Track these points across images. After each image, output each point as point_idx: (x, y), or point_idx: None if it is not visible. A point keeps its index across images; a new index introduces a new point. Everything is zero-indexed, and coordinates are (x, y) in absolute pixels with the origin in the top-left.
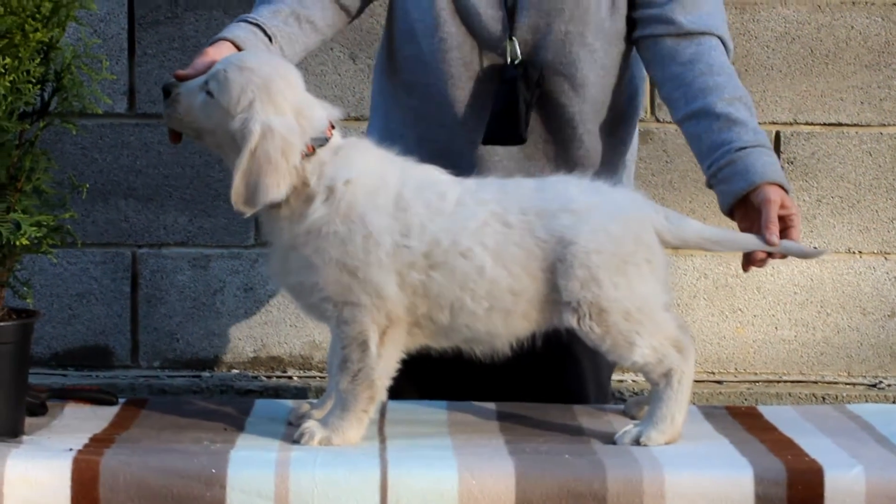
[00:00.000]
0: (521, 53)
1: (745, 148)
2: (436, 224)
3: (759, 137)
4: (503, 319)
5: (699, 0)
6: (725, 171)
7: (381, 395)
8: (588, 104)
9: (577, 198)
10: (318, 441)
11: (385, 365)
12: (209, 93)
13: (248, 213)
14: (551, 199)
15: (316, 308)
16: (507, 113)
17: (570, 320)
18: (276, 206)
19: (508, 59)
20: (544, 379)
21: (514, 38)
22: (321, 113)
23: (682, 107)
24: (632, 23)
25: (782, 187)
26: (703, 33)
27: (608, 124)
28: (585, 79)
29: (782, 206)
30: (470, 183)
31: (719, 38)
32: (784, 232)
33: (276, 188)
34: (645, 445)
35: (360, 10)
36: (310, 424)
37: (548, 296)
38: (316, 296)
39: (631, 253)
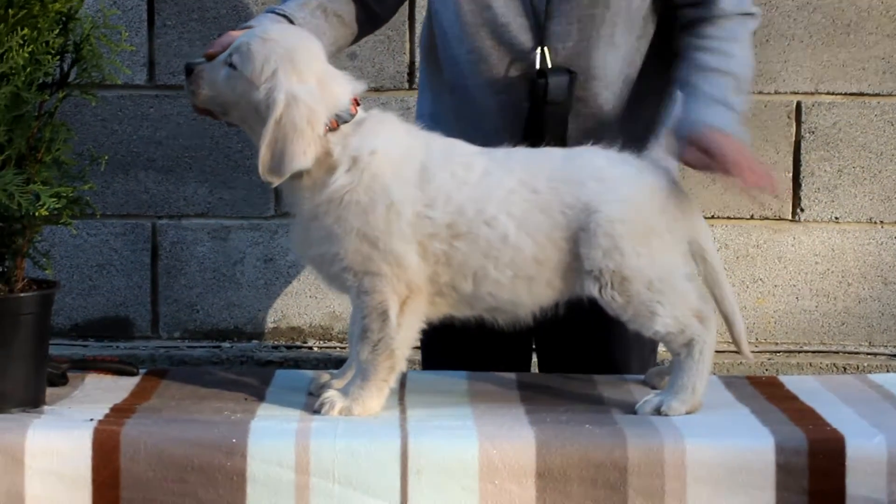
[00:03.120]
0: (553, 62)
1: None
2: (462, 194)
3: (732, 99)
4: (527, 287)
5: None
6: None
7: (402, 364)
8: (619, 99)
9: (604, 167)
10: (339, 411)
11: (405, 335)
12: (232, 65)
13: (276, 182)
14: (579, 167)
15: (337, 278)
16: (534, 123)
17: (592, 289)
18: (298, 176)
19: (538, 69)
20: (589, 351)
21: (543, 48)
22: (345, 87)
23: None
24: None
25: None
26: (730, 16)
27: (643, 110)
28: (614, 76)
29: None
30: (498, 153)
31: (748, 14)
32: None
33: (303, 156)
34: (666, 415)
35: (390, 13)
36: (330, 394)
37: (570, 264)
38: (336, 266)
39: (654, 223)
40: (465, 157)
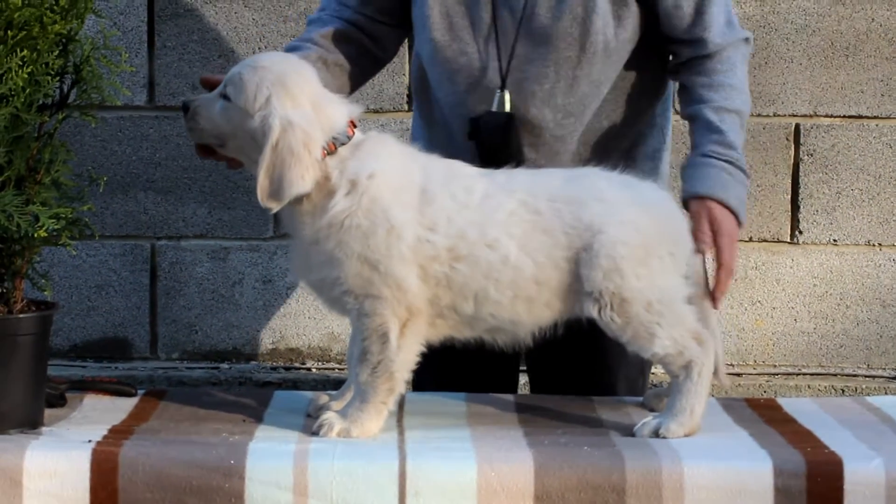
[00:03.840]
0: (530, 104)
1: (708, 156)
2: (463, 217)
3: (731, 153)
4: (527, 308)
5: (714, 13)
6: (686, 172)
7: (401, 387)
8: (599, 134)
9: (605, 188)
10: (337, 433)
11: (405, 357)
12: (226, 97)
13: (275, 208)
14: (581, 188)
15: (337, 301)
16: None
17: (591, 310)
18: (297, 201)
19: (495, 109)
20: (572, 373)
21: (503, 91)
22: (341, 110)
23: (682, 109)
24: (651, 34)
25: (730, 210)
26: (725, 47)
27: (623, 139)
28: (595, 112)
29: (712, 223)
30: (499, 175)
31: (743, 40)
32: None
33: (301, 180)
34: (664, 437)
35: (391, 54)
36: (329, 416)
37: (570, 285)
38: (337, 289)
39: (655, 245)
40: (465, 180)
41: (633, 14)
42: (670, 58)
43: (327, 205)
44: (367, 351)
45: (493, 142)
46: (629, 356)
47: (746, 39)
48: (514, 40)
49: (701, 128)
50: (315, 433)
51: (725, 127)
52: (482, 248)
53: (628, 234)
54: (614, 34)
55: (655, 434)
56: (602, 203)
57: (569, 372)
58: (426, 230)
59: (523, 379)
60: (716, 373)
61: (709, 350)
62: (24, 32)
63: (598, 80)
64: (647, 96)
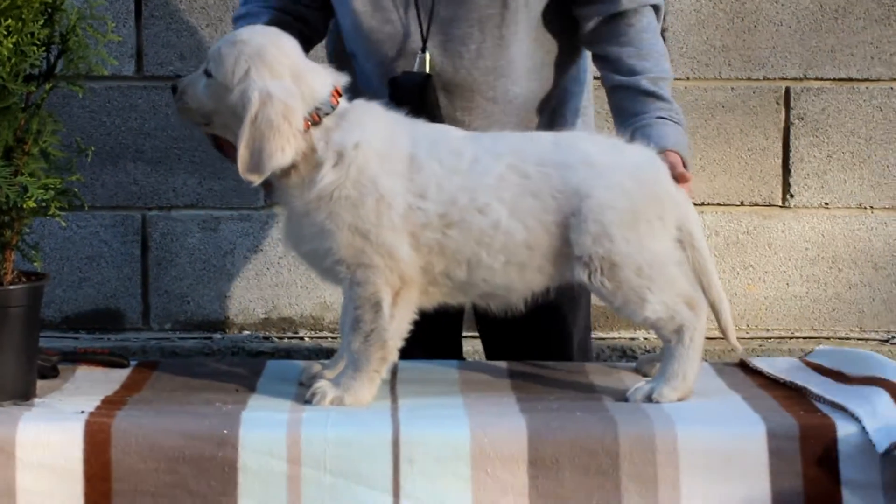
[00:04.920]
0: (457, 66)
1: (662, 118)
2: (453, 182)
3: (677, 116)
4: (519, 273)
5: None
6: (643, 132)
7: (394, 355)
8: (530, 92)
9: (593, 153)
10: (330, 401)
11: (397, 325)
12: (208, 73)
13: (256, 181)
14: (569, 153)
15: (330, 272)
16: None
17: (582, 275)
18: (286, 175)
19: (416, 70)
20: (526, 336)
21: (424, 53)
22: (325, 79)
23: (611, 79)
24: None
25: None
26: (637, 8)
27: (552, 99)
28: (524, 70)
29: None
30: (485, 138)
31: (653, 6)
32: None
33: (281, 153)
34: (657, 402)
35: (321, 36)
36: (321, 384)
37: (561, 250)
38: (329, 260)
39: (644, 209)
40: (453, 144)
41: None
42: (584, 27)
43: (315, 177)
44: (359, 320)
45: (410, 102)
46: (579, 317)
47: (657, 7)
48: (434, 3)
49: (640, 97)
50: (308, 402)
51: (666, 94)
52: (473, 213)
53: (616, 199)
54: None
55: (648, 399)
56: (590, 167)
57: (523, 335)
58: (416, 197)
59: (469, 346)
60: (726, 337)
61: (701, 314)
62: (9, 1)
63: (525, 38)
64: (573, 53)
